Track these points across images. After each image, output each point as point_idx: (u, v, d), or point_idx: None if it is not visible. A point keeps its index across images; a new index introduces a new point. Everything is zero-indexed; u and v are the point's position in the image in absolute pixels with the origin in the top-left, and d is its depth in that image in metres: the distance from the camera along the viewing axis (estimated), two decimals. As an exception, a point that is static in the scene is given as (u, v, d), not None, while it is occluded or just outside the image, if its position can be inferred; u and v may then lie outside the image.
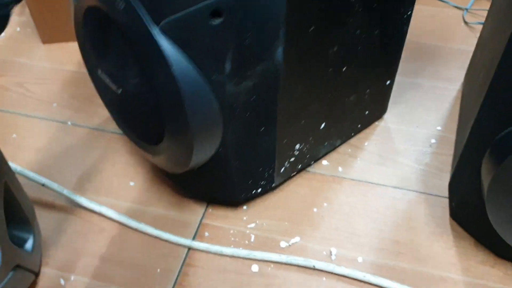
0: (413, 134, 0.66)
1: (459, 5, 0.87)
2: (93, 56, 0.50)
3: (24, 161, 0.63)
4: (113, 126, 0.67)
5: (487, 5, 0.86)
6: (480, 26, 0.83)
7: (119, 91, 0.48)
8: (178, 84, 0.40)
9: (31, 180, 0.57)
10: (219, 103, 0.43)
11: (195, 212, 0.57)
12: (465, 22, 0.84)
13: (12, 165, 0.59)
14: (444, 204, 0.57)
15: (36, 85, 0.74)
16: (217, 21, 0.38)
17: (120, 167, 0.62)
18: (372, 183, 0.60)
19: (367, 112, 0.63)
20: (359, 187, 0.59)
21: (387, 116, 0.68)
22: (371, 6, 0.49)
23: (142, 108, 0.47)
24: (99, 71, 0.50)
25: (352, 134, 0.64)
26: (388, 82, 0.63)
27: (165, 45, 0.39)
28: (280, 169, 0.55)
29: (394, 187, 0.59)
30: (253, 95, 0.44)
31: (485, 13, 0.84)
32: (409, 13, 0.56)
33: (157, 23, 0.39)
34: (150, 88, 0.43)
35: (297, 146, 0.55)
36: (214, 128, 0.45)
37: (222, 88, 0.42)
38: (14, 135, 0.66)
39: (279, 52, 0.42)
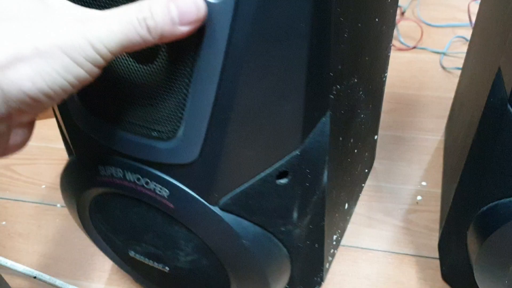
0: (398, 191, 0.66)
1: (436, 49, 0.89)
2: (114, 240, 0.47)
3: (14, 250, 0.63)
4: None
5: (464, 48, 0.88)
6: (458, 71, 0.84)
7: (167, 269, 0.46)
8: (251, 253, 0.40)
9: (22, 274, 0.57)
10: (287, 247, 0.43)
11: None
12: (443, 67, 0.86)
13: (2, 259, 0.59)
14: (435, 266, 0.58)
15: (24, 166, 0.74)
16: (283, 181, 0.38)
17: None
18: (362, 248, 0.60)
19: (366, 170, 0.64)
20: (349, 253, 0.60)
21: (371, 173, 0.69)
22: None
23: (197, 278, 0.45)
24: (132, 253, 0.47)
25: (360, 195, 0.65)
26: (376, 137, 0.64)
27: (229, 218, 0.38)
28: (326, 266, 0.55)
29: (385, 251, 0.60)
30: (309, 224, 0.44)
31: (463, 56, 0.86)
32: (387, 73, 0.58)
33: (214, 202, 0.38)
34: (210, 262, 0.42)
35: (335, 237, 0.55)
36: (285, 269, 0.45)
37: (290, 234, 0.42)
38: (4, 223, 0.66)
39: (325, 178, 0.42)
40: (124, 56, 0.33)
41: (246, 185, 0.37)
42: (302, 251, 0.45)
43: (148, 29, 0.27)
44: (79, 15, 0.28)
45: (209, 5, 0.28)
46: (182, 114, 0.33)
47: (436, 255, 0.59)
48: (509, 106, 0.37)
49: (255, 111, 0.33)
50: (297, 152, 0.37)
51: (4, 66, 0.26)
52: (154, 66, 0.32)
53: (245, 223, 0.39)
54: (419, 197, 0.65)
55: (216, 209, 0.38)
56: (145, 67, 0.33)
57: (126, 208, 0.43)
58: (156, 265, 0.46)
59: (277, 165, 0.37)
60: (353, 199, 0.60)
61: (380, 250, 0.60)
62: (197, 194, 0.37)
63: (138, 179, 0.39)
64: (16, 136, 0.30)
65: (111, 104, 0.36)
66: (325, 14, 0.32)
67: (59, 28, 0.26)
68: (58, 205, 0.68)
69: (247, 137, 0.35)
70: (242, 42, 0.29)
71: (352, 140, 0.49)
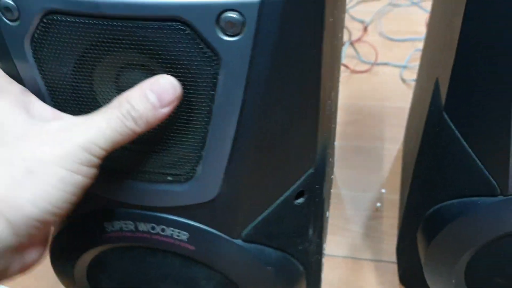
0: (359, 199, 0.69)
1: (397, 63, 0.92)
2: None
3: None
4: None
5: (421, 61, 0.92)
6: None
7: None
8: (276, 279, 0.40)
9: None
10: (303, 264, 0.43)
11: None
12: (403, 80, 0.89)
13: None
14: (394, 270, 0.60)
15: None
16: (300, 200, 0.38)
17: None
18: (324, 254, 0.62)
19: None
20: (312, 260, 0.62)
21: (334, 182, 0.71)
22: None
23: None
24: None
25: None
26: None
27: (251, 248, 0.38)
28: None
29: (345, 257, 0.62)
30: (317, 238, 0.44)
31: (420, 69, 0.90)
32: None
33: (236, 236, 0.37)
34: None
35: (324, 246, 0.55)
36: (303, 286, 0.45)
37: (307, 251, 0.42)
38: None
39: (325, 188, 0.43)
40: None
41: (266, 212, 0.37)
42: (312, 266, 0.45)
43: (134, 120, 0.27)
44: (64, 123, 0.28)
45: (228, 42, 0.28)
46: (201, 153, 0.33)
47: (395, 259, 0.61)
48: (444, 114, 0.39)
49: (275, 138, 0.33)
50: (312, 170, 0.37)
51: (4, 197, 0.25)
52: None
53: (267, 250, 0.39)
54: (378, 204, 0.68)
55: (239, 242, 0.37)
56: None
57: (138, 259, 0.41)
58: None
59: (294, 186, 0.37)
60: (329, 207, 0.62)
61: (341, 256, 0.62)
62: (218, 230, 0.37)
63: (153, 228, 0.37)
64: (31, 254, 0.29)
65: (118, 156, 0.34)
66: (328, 38, 0.33)
67: (47, 143, 0.26)
68: None
69: (267, 165, 0.35)
70: (262, 74, 0.30)
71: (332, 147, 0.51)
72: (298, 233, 0.40)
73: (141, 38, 0.29)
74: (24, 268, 0.29)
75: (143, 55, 0.30)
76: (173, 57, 0.29)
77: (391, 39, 0.98)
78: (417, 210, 0.48)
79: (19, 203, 0.25)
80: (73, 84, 0.32)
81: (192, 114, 0.31)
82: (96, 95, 0.32)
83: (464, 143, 0.39)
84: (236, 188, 0.34)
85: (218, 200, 0.35)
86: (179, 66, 0.29)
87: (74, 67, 0.31)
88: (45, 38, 0.30)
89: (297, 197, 0.38)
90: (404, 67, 0.91)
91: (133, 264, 0.41)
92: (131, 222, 0.37)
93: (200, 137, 0.32)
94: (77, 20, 0.29)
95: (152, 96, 0.28)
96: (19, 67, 0.32)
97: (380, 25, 1.01)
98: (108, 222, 0.38)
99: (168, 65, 0.30)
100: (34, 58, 0.31)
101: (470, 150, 0.38)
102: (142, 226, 0.37)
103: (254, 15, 0.27)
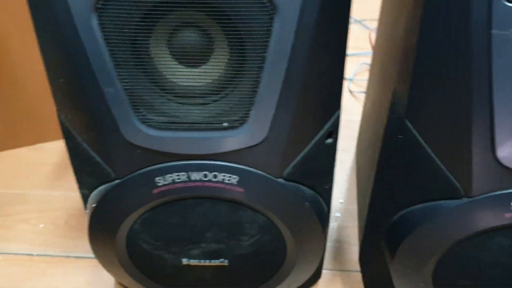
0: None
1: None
2: (164, 257, 0.47)
3: None
4: (21, 247, 0.63)
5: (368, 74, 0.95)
6: (364, 95, 0.91)
7: (226, 262, 0.47)
8: (312, 214, 0.44)
9: None
10: (327, 204, 0.47)
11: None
12: (350, 92, 0.92)
13: None
14: (358, 278, 0.60)
15: None
16: (329, 140, 0.42)
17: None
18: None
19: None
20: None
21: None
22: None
23: (254, 261, 0.47)
24: (185, 260, 0.47)
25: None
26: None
27: (291, 187, 0.42)
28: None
29: (310, 269, 0.61)
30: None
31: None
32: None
33: (279, 175, 0.42)
34: (272, 237, 0.45)
35: None
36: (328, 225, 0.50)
37: (330, 190, 0.47)
38: None
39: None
40: (176, 64, 0.36)
41: (304, 151, 0.41)
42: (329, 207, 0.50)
43: None
44: None
45: None
46: (255, 99, 0.36)
47: (358, 268, 0.61)
48: (406, 121, 0.40)
49: (316, 82, 0.37)
50: (339, 111, 0.41)
51: None
52: (221, 63, 0.36)
53: (302, 188, 0.43)
54: (337, 214, 0.68)
55: (281, 181, 0.42)
56: (208, 68, 0.36)
57: (184, 213, 0.44)
58: (213, 262, 0.46)
59: (327, 126, 0.41)
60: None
61: (306, 269, 0.61)
62: (264, 171, 0.41)
63: (205, 176, 0.40)
64: None
65: (172, 111, 0.38)
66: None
67: None
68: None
69: (308, 106, 0.39)
70: (311, 20, 0.34)
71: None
72: (325, 172, 0.44)
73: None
74: None
75: (200, 12, 0.33)
76: (231, 12, 0.33)
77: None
78: (380, 217, 0.49)
79: None
80: (133, 45, 0.35)
81: (248, 64, 0.35)
82: (152, 55, 0.35)
83: (427, 148, 0.40)
84: (281, 130, 0.39)
85: (265, 142, 0.39)
86: (237, 20, 0.33)
87: (135, 28, 0.34)
88: (109, 1, 0.33)
89: (328, 137, 0.42)
90: (351, 79, 0.94)
91: (176, 218, 0.44)
92: (184, 173, 0.40)
93: (255, 84, 0.36)
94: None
95: None
96: (83, 34, 0.34)
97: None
98: (160, 177, 0.41)
99: (225, 21, 0.33)
100: (99, 23, 0.34)
101: (433, 155, 0.40)
102: (195, 175, 0.40)
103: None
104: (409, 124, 0.40)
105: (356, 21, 1.09)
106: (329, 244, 0.64)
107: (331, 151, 0.43)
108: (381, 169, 0.49)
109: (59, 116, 0.42)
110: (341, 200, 0.70)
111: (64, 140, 0.43)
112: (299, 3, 0.32)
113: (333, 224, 0.67)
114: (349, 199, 0.70)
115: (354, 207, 0.69)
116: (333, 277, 0.60)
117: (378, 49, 0.62)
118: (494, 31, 0.33)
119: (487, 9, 0.32)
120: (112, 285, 0.59)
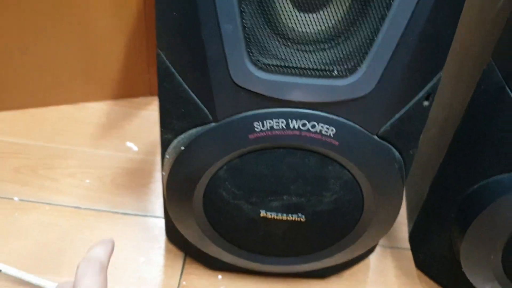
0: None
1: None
2: (242, 207, 0.46)
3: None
4: (67, 199, 0.63)
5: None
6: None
7: (302, 218, 0.46)
8: (400, 176, 0.44)
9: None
10: (407, 170, 0.46)
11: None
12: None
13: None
14: (408, 256, 0.61)
15: (-29, 158, 0.67)
16: (426, 103, 0.41)
17: (81, 245, 0.57)
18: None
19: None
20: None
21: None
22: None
23: (330, 219, 0.47)
24: (263, 212, 0.46)
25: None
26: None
27: (383, 145, 0.42)
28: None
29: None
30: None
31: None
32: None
33: (374, 132, 0.41)
34: (353, 196, 0.45)
35: None
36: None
37: (413, 157, 0.46)
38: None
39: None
40: (292, 9, 0.36)
41: (403, 110, 0.41)
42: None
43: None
44: None
45: None
46: (370, 48, 0.36)
47: (408, 246, 0.62)
48: (507, 88, 0.41)
49: (430, 39, 0.37)
50: (440, 73, 0.40)
51: None
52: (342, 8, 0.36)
53: (392, 148, 0.43)
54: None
55: (376, 138, 0.41)
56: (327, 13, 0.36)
57: (272, 163, 0.43)
58: (291, 216, 0.46)
59: (427, 87, 0.40)
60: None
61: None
62: (361, 126, 0.41)
63: (304, 125, 0.40)
64: None
65: (285, 54, 0.38)
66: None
67: None
68: (16, 199, 0.62)
69: (418, 64, 0.38)
70: None
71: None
72: (414, 137, 0.44)
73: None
74: None
75: None
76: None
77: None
78: (451, 192, 0.50)
79: None
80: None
81: (371, 10, 0.35)
82: (279, 14, 0.36)
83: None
84: (388, 84, 0.38)
85: (370, 96, 0.39)
86: None
87: None
88: None
89: (426, 99, 0.41)
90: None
91: (264, 168, 0.43)
92: (283, 120, 0.40)
93: (373, 32, 0.36)
94: None
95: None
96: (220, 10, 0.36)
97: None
98: (258, 122, 0.40)
99: None
100: None
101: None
102: (294, 123, 0.40)
103: None
104: (509, 91, 0.41)
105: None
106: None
107: (425, 114, 0.43)
108: (461, 141, 0.49)
109: (158, 55, 0.42)
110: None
111: (159, 80, 0.43)
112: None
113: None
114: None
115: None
116: (384, 253, 0.61)
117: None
118: None
119: None
120: (163, 242, 0.59)
